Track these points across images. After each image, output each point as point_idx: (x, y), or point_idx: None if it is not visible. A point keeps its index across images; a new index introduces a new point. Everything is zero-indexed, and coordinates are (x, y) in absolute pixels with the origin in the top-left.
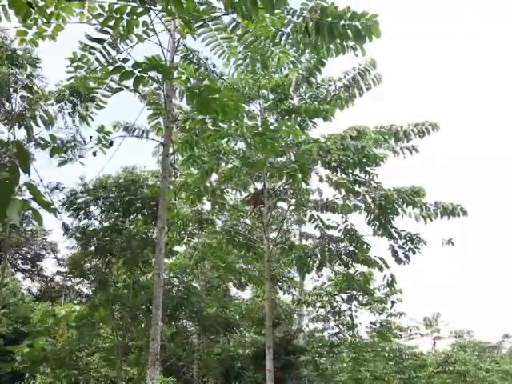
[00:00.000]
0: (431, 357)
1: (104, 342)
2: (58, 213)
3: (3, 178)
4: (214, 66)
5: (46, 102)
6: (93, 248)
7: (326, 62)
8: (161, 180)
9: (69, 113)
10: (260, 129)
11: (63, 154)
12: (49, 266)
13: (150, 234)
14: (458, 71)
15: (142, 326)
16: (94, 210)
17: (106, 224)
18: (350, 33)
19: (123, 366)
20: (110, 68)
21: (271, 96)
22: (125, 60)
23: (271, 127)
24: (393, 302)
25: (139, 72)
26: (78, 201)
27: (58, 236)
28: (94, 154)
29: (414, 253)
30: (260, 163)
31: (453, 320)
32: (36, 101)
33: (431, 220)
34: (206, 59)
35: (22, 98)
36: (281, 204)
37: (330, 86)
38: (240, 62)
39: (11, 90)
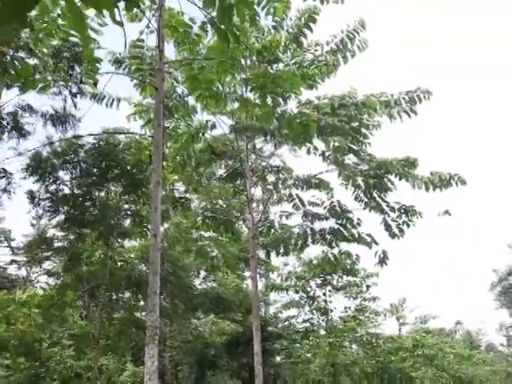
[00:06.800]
0: (409, 340)
1: (73, 328)
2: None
3: None
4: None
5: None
6: (62, 218)
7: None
8: (154, 128)
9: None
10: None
11: None
12: (1, 255)
13: (128, 206)
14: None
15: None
16: (63, 175)
17: (77, 191)
18: None
19: (98, 355)
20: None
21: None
22: None
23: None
24: (368, 286)
25: None
26: (44, 164)
27: (11, 223)
28: (74, 94)
29: (408, 226)
30: (267, 115)
31: (417, 305)
32: None
33: (427, 190)
34: None
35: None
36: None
37: (316, 50)
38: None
39: None
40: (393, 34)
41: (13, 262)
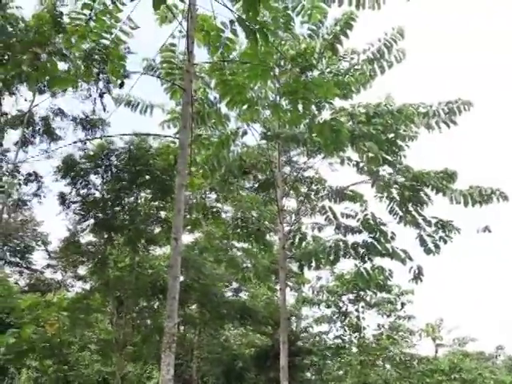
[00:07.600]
0: (445, 362)
1: (100, 333)
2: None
3: None
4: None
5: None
6: (92, 221)
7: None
8: (180, 130)
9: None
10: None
11: None
12: (38, 259)
13: (157, 212)
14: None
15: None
16: (95, 179)
17: (107, 196)
18: None
19: (122, 361)
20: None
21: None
22: None
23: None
24: (402, 304)
25: None
26: (76, 167)
27: (48, 227)
28: (101, 95)
29: (445, 242)
30: (297, 119)
31: (455, 326)
32: None
33: (465, 205)
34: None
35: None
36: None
37: (352, 59)
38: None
39: None
40: (419, 35)
41: (48, 266)
